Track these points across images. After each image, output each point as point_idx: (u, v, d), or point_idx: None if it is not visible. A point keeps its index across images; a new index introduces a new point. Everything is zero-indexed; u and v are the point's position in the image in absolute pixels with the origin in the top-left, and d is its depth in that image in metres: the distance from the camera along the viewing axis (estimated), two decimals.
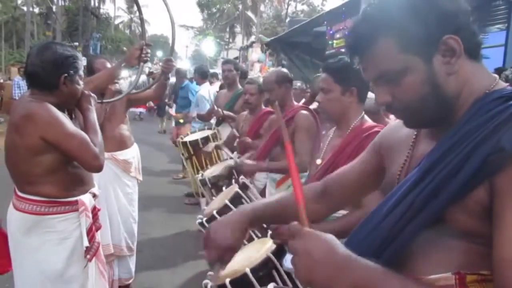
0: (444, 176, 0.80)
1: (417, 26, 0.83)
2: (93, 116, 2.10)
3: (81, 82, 2.07)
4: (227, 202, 2.51)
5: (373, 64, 0.89)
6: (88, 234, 2.09)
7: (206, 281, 1.93)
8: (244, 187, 2.67)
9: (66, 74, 1.96)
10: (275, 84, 2.93)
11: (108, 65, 3.10)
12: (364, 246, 0.89)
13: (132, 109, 16.31)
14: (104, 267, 2.29)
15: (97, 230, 2.20)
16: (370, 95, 3.11)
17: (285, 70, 3.13)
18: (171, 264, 4.01)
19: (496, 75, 0.90)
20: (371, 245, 0.88)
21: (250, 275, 1.77)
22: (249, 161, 2.93)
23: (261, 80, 3.70)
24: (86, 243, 2.06)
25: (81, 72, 2.08)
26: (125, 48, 37.66)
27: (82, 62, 2.10)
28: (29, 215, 1.99)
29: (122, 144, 3.22)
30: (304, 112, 2.87)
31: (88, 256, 2.09)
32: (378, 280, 0.74)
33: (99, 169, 2.01)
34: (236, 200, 2.55)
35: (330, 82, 1.89)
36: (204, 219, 2.55)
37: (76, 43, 23.73)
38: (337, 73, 1.88)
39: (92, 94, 2.17)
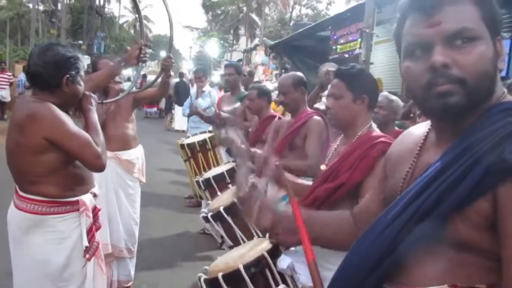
0: (447, 186, 0.80)
1: (493, 12, 0.86)
2: (94, 116, 2.13)
3: (82, 83, 2.09)
4: (235, 200, 2.52)
5: (457, 18, 0.83)
6: (88, 234, 2.10)
7: (200, 274, 1.97)
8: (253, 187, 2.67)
9: (68, 75, 1.99)
10: (291, 88, 2.92)
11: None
12: (368, 254, 0.90)
13: (147, 109, 16.75)
14: (103, 263, 2.30)
15: (97, 230, 2.21)
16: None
17: (300, 74, 3.11)
18: (170, 265, 4.01)
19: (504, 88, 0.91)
20: (374, 253, 0.88)
21: (243, 271, 1.82)
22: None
23: (265, 84, 3.71)
24: (86, 243, 2.08)
25: (82, 73, 2.09)
26: (128, 48, 37.71)
27: (83, 62, 2.11)
28: (30, 214, 2.00)
29: (126, 144, 3.22)
30: (317, 117, 2.87)
31: (87, 256, 2.10)
32: None
33: (101, 168, 2.03)
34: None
35: (343, 89, 1.86)
36: (210, 214, 2.56)
37: (81, 42, 23.78)
38: (351, 79, 1.85)
39: (93, 95, 2.19)
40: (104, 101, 2.44)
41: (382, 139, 1.79)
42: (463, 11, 0.83)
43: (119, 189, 3.21)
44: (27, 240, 2.03)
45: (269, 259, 1.86)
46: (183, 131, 9.79)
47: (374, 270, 0.87)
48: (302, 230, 1.03)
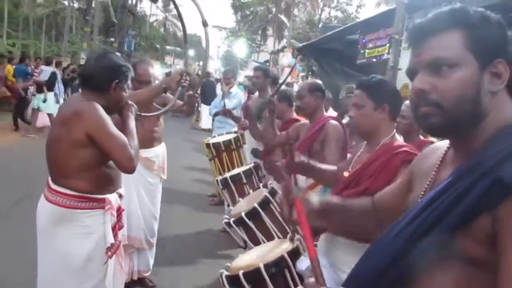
0: (450, 202, 0.83)
1: (487, 37, 0.89)
2: (133, 123, 2.29)
3: (127, 91, 2.28)
4: (256, 205, 2.58)
5: (433, 49, 0.91)
6: (112, 232, 2.18)
7: (222, 270, 2.03)
8: (272, 192, 2.73)
9: (117, 80, 2.18)
10: (306, 92, 2.99)
11: (151, 70, 3.28)
12: (380, 258, 0.94)
13: None
14: (122, 260, 2.38)
15: (119, 229, 2.31)
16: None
17: (319, 81, 3.19)
18: (192, 261, 4.10)
19: None
20: (384, 257, 0.92)
21: (263, 270, 1.88)
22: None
23: (289, 89, 3.77)
24: (111, 240, 2.17)
25: (129, 82, 2.29)
26: (158, 46, 38.36)
27: (132, 73, 2.32)
28: (60, 207, 2.11)
29: (147, 144, 3.32)
30: (334, 122, 2.90)
31: (109, 253, 2.18)
32: None
33: (132, 170, 2.13)
34: (264, 204, 2.63)
35: (364, 98, 1.92)
36: (232, 219, 2.63)
37: (112, 39, 24.32)
38: (371, 89, 1.91)
39: (135, 105, 2.36)
40: (142, 114, 2.57)
41: (404, 148, 1.81)
42: (443, 41, 0.90)
43: (140, 185, 3.33)
44: (55, 232, 2.13)
45: (289, 260, 1.91)
46: (209, 130, 9.92)
47: (384, 274, 0.90)
48: (305, 230, 1.08)
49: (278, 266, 1.91)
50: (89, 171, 2.12)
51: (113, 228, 2.21)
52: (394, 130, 1.96)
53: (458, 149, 0.97)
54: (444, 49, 0.90)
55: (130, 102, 2.34)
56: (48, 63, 11.07)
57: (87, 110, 2.06)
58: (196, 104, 13.68)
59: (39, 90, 9.95)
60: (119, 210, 2.31)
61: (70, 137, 2.06)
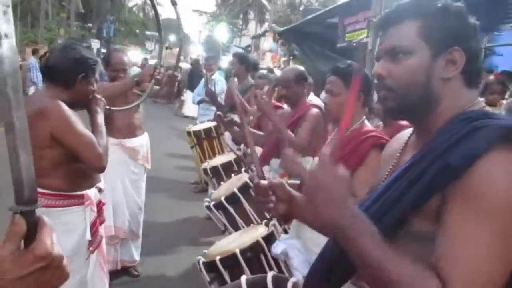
0: (407, 184, 0.90)
1: (443, 26, 0.94)
2: (101, 119, 2.19)
3: (95, 85, 2.17)
4: (235, 190, 2.61)
5: (391, 38, 0.99)
6: (92, 227, 2.15)
7: (199, 257, 2.07)
8: (253, 178, 2.76)
9: (84, 74, 2.06)
10: (293, 82, 2.97)
11: (125, 58, 3.24)
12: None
13: None
14: (105, 260, 2.36)
15: (100, 224, 2.27)
16: None
17: (302, 68, 3.17)
18: (176, 249, 4.12)
19: (479, 98, 0.97)
20: None
21: (239, 255, 1.92)
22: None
23: (271, 74, 3.75)
24: (88, 236, 2.13)
25: (97, 76, 2.18)
26: (137, 31, 37.65)
27: (100, 67, 2.22)
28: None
29: (130, 133, 3.32)
30: (315, 109, 2.93)
31: (90, 248, 2.15)
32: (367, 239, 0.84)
33: (100, 169, 2.08)
34: (244, 189, 2.66)
35: (340, 86, 1.93)
36: (212, 203, 2.66)
37: (90, 25, 23.79)
38: (348, 78, 1.91)
39: (103, 99, 2.25)
40: (112, 108, 2.47)
41: (372, 133, 1.87)
42: (400, 31, 0.98)
43: (124, 175, 3.32)
44: None
45: (264, 245, 1.96)
46: (193, 118, 9.86)
47: (344, 255, 0.94)
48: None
49: (253, 251, 1.96)
50: (63, 168, 2.06)
51: (94, 223, 2.18)
52: (364, 116, 2.00)
53: (418, 134, 1.03)
54: (400, 38, 0.97)
55: (98, 96, 2.23)
56: None
57: (49, 109, 1.96)
58: (179, 91, 13.59)
59: None
60: (100, 205, 2.27)
61: (34, 137, 1.98)
